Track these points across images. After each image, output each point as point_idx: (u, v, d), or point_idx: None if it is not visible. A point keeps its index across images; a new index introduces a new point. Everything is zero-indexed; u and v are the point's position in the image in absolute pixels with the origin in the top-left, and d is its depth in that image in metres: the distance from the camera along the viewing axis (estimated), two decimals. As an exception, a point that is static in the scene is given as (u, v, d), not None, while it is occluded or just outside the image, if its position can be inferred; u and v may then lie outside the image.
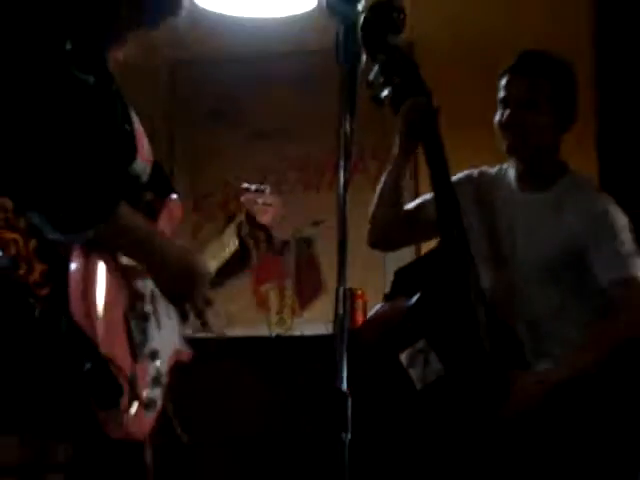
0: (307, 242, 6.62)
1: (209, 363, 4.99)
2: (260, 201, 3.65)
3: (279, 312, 6.44)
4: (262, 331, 6.08)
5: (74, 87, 2.60)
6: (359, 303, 5.37)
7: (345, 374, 2.40)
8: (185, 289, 2.86)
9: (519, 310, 3.96)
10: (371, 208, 4.11)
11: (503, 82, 3.99)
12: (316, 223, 6.32)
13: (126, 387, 2.55)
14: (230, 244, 3.35)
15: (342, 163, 2.49)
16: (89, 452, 2.71)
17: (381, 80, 3.85)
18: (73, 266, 2.48)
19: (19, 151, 2.48)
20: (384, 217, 4.08)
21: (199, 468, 5.10)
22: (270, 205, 3.69)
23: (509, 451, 3.66)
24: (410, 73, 3.93)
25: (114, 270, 2.61)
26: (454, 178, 4.03)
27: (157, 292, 2.80)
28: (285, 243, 6.55)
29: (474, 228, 4.03)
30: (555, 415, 3.72)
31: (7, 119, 2.48)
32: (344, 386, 2.39)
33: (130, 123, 2.86)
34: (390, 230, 4.14)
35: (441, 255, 3.91)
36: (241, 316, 6.32)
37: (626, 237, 3.92)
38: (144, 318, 2.71)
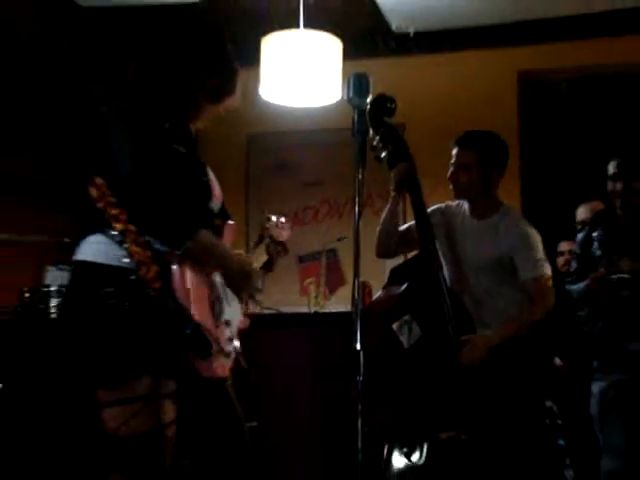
0: (333, 252, 6.65)
1: (270, 330, 5.17)
2: (279, 226, 3.57)
3: (315, 297, 6.31)
4: (304, 309, 6.02)
5: (173, 155, 2.78)
6: (367, 291, 5.28)
7: (358, 337, 2.57)
8: (242, 283, 2.96)
9: (470, 296, 4.07)
10: (377, 231, 4.13)
11: (453, 151, 4.15)
12: (339, 239, 6.22)
13: (213, 343, 2.70)
14: (260, 257, 3.35)
15: (357, 200, 2.70)
16: (188, 386, 2.81)
17: (380, 146, 3.94)
18: (174, 267, 2.65)
19: (140, 196, 2.66)
20: (385, 236, 4.12)
21: (261, 399, 4.77)
22: (284, 228, 3.60)
23: (463, 381, 3.75)
24: (398, 144, 3.98)
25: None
26: (429, 209, 4.13)
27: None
28: (320, 252, 6.58)
29: (442, 242, 4.15)
30: (492, 361, 3.80)
31: (134, 179, 2.66)
32: (358, 345, 2.57)
33: (206, 176, 2.99)
34: (389, 245, 4.14)
35: (420, 260, 3.95)
36: (291, 300, 6.46)
37: (539, 249, 4.04)
38: (219, 300, 2.85)
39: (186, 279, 2.66)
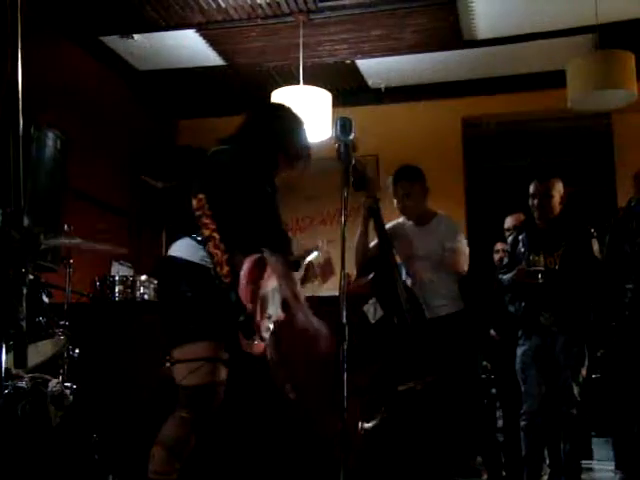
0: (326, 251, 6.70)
1: None
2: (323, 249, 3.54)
3: (313, 285, 6.41)
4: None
5: (266, 194, 2.85)
6: (350, 280, 5.00)
7: (344, 314, 2.55)
8: (288, 305, 2.83)
9: (419, 284, 4.01)
10: (354, 245, 4.01)
11: (392, 185, 4.10)
12: (330, 241, 6.42)
13: (256, 329, 2.67)
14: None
15: (343, 212, 2.67)
16: (236, 356, 2.78)
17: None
18: (242, 271, 2.62)
19: (237, 218, 2.72)
20: (360, 250, 4.03)
21: None
22: (331, 272, 3.61)
23: (418, 346, 3.71)
24: (357, 173, 3.68)
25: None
26: (389, 225, 4.09)
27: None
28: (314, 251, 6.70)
29: (399, 245, 4.07)
30: (441, 330, 3.82)
31: (240, 212, 2.72)
32: (344, 319, 2.55)
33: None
34: (363, 255, 4.03)
35: (380, 260, 3.89)
36: None
37: (462, 244, 4.03)
38: (267, 299, 2.75)
39: (246, 280, 2.63)
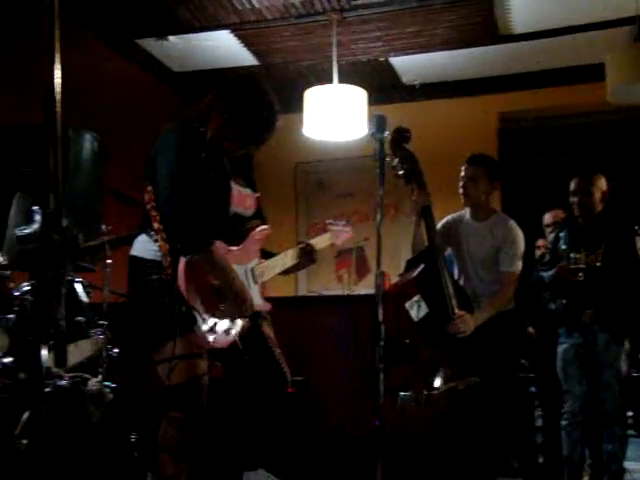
0: (361, 249, 6.66)
1: (314, 308, 5.10)
2: (339, 228, 3.52)
3: (348, 283, 6.44)
4: (339, 292, 6.10)
5: (201, 180, 2.70)
6: (386, 278, 4.71)
7: (380, 312, 2.57)
8: (234, 303, 2.67)
9: (467, 281, 3.97)
10: (411, 244, 3.95)
11: (463, 167, 4.01)
12: (366, 239, 6.37)
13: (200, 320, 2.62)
14: (288, 260, 3.10)
15: (379, 209, 2.71)
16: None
17: (399, 166, 3.74)
18: (181, 261, 2.59)
19: (167, 209, 2.63)
20: (416, 248, 3.90)
21: (307, 361, 4.70)
22: (346, 232, 3.57)
23: (459, 345, 3.66)
24: (413, 163, 3.79)
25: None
26: (441, 222, 4.05)
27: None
28: (351, 249, 6.63)
29: (451, 244, 4.05)
30: (481, 329, 3.70)
31: (165, 195, 2.63)
32: (380, 317, 2.57)
33: (228, 189, 2.83)
34: (416, 250, 3.86)
35: (427, 255, 3.79)
36: (329, 286, 6.46)
37: (520, 248, 3.91)
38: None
39: (183, 278, 2.59)
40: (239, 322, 2.77)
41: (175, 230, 2.63)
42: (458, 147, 5.91)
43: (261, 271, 2.94)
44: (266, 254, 3.03)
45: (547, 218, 5.29)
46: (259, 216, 3.05)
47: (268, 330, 3.00)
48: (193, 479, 2.76)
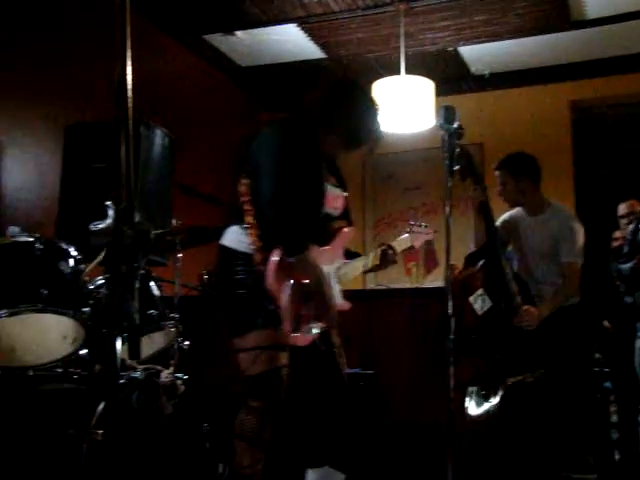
0: (430, 242, 6.49)
1: (383, 301, 5.14)
2: (420, 230, 3.55)
3: (416, 276, 6.42)
4: (408, 285, 6.09)
5: (302, 182, 2.69)
6: (455, 271, 4.68)
7: (450, 305, 2.58)
8: (314, 302, 2.65)
9: (529, 276, 3.94)
10: (465, 233, 3.98)
11: (496, 173, 4.02)
12: (435, 232, 6.39)
13: (284, 319, 2.59)
14: (370, 262, 3.13)
15: (448, 202, 2.71)
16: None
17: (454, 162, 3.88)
18: (271, 259, 2.58)
19: (268, 211, 2.61)
20: (477, 242, 3.91)
21: (377, 353, 4.87)
22: (426, 234, 3.60)
23: (528, 338, 3.64)
24: (466, 161, 3.64)
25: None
26: (501, 218, 4.08)
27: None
28: None
29: (512, 239, 4.06)
30: (551, 322, 3.69)
31: (268, 196, 2.61)
32: (449, 310, 2.59)
33: (322, 192, 2.83)
34: (478, 245, 3.85)
35: (488, 248, 3.80)
36: (398, 279, 6.34)
37: (579, 240, 3.89)
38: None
39: (271, 275, 2.58)
40: (320, 323, 2.77)
41: (276, 233, 2.63)
42: (530, 137, 6.09)
43: (345, 272, 2.96)
44: (347, 253, 3.03)
45: (622, 209, 5.18)
46: (346, 216, 3.06)
47: (335, 336, 2.98)
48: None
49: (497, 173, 4.04)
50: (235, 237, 2.75)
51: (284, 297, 2.59)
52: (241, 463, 2.66)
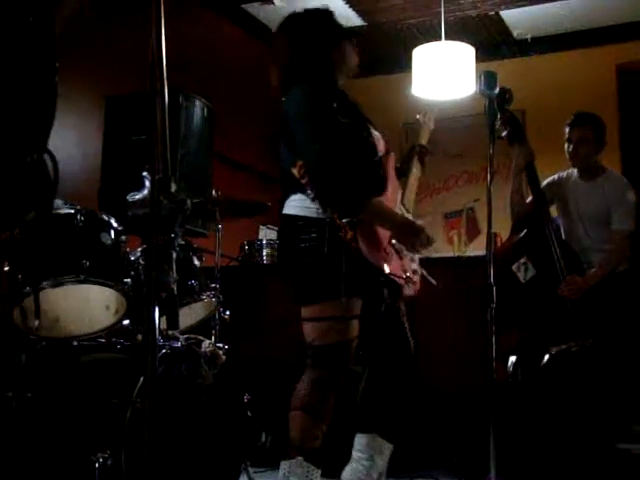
0: (471, 209, 6.53)
1: (425, 269, 5.31)
2: (422, 117, 3.43)
3: (458, 244, 6.40)
4: (450, 254, 5.99)
5: (341, 131, 2.63)
6: (498, 239, 4.76)
7: (492, 272, 2.54)
8: (409, 238, 2.63)
9: (577, 241, 3.89)
10: (507, 201, 3.95)
11: (567, 129, 3.95)
12: (476, 200, 6.32)
13: (402, 277, 2.64)
14: (416, 172, 3.08)
15: (489, 169, 2.66)
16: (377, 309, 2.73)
17: (502, 128, 3.69)
18: (359, 234, 2.53)
19: (319, 178, 2.55)
20: (515, 208, 3.94)
21: (419, 322, 4.94)
22: (428, 112, 3.49)
23: (569, 307, 3.63)
24: (516, 126, 3.80)
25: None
26: (546, 181, 4.02)
27: None
28: (461, 210, 6.58)
29: (558, 204, 4.00)
30: (599, 289, 3.66)
31: (314, 164, 2.56)
32: (491, 279, 2.54)
33: (370, 134, 2.78)
34: (518, 212, 3.92)
35: (534, 215, 3.78)
36: (439, 247, 5.94)
37: (632, 207, 3.85)
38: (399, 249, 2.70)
39: (369, 240, 2.56)
40: (414, 265, 2.78)
41: (332, 198, 2.57)
42: (575, 102, 5.77)
43: (407, 198, 2.95)
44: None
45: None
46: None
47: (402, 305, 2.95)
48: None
49: (577, 129, 3.94)
50: (300, 204, 2.66)
51: (376, 253, 2.57)
52: (299, 436, 2.58)
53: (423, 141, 3.28)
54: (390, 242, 2.65)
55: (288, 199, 2.72)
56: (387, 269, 2.58)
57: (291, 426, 2.58)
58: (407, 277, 2.70)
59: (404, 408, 2.89)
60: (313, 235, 2.60)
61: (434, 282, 2.87)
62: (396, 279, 2.64)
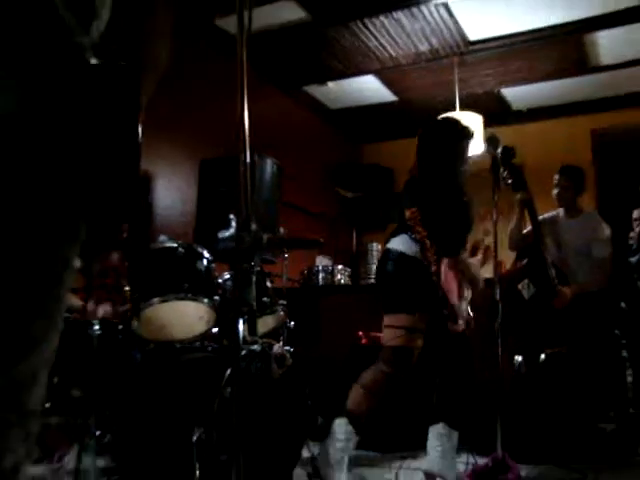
0: (481, 241, 6.49)
1: None
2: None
3: None
4: None
5: (463, 205, 2.62)
6: (502, 266, 4.90)
7: (498, 292, 2.62)
8: (473, 286, 2.68)
9: (564, 265, 3.78)
10: (508, 233, 3.88)
11: (555, 177, 3.90)
12: (485, 234, 6.21)
13: (458, 315, 2.57)
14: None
15: (494, 209, 2.72)
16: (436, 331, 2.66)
17: (507, 177, 3.61)
18: (443, 268, 2.52)
19: (444, 229, 2.56)
20: (514, 238, 3.87)
21: None
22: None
23: (561, 317, 3.58)
24: (518, 176, 3.68)
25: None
26: (544, 215, 3.94)
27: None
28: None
29: (550, 238, 3.89)
30: (581, 305, 3.62)
31: (446, 221, 2.56)
32: (497, 297, 2.62)
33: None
34: (516, 242, 3.87)
35: (534, 245, 3.71)
36: None
37: (607, 238, 3.80)
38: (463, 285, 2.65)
39: (448, 276, 2.54)
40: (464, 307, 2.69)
41: (455, 242, 2.59)
42: (559, 157, 5.77)
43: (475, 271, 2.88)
44: None
45: (635, 213, 4.85)
46: None
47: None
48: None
49: (561, 177, 3.89)
50: (404, 242, 2.65)
51: (453, 289, 2.54)
52: (350, 407, 2.60)
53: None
54: (459, 284, 2.60)
55: (394, 237, 2.71)
56: (453, 301, 2.56)
57: (349, 396, 2.62)
58: (459, 317, 2.60)
59: (465, 404, 2.80)
60: (404, 266, 2.62)
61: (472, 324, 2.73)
62: (454, 311, 2.57)
